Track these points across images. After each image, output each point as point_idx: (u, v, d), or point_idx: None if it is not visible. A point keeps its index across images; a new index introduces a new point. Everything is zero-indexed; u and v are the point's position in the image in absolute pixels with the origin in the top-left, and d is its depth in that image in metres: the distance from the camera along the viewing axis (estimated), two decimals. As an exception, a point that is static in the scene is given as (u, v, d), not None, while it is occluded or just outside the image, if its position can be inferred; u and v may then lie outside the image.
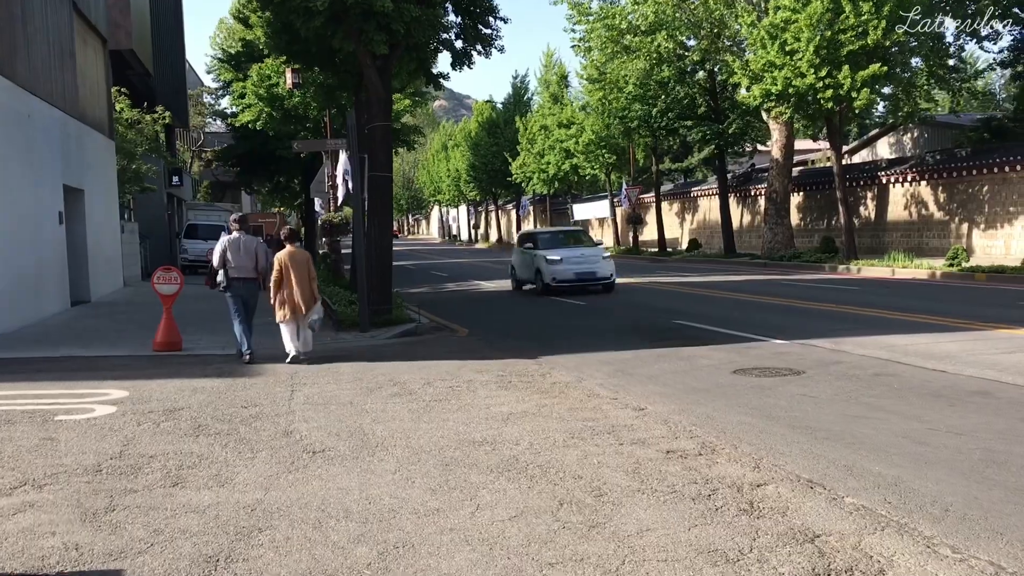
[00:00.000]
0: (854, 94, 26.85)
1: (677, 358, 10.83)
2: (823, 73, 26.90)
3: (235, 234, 11.35)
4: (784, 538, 4.57)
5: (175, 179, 36.75)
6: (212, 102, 57.92)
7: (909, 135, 39.69)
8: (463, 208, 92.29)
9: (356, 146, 14.46)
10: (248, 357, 11.12)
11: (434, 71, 17.25)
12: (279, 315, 11.15)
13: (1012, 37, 31.66)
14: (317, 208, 30.08)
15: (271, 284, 11.20)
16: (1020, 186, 28.01)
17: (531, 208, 70.15)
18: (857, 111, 30.32)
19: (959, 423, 6.92)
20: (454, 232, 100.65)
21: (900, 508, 5.01)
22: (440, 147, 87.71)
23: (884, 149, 40.72)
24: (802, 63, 27.23)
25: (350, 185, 16.08)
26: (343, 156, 20.35)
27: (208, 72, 40.07)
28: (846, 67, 26.54)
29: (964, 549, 4.39)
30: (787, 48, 27.77)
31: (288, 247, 11.36)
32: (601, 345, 12.24)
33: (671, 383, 9.18)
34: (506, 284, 25.86)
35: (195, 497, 5.44)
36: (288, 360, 11.05)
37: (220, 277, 11.21)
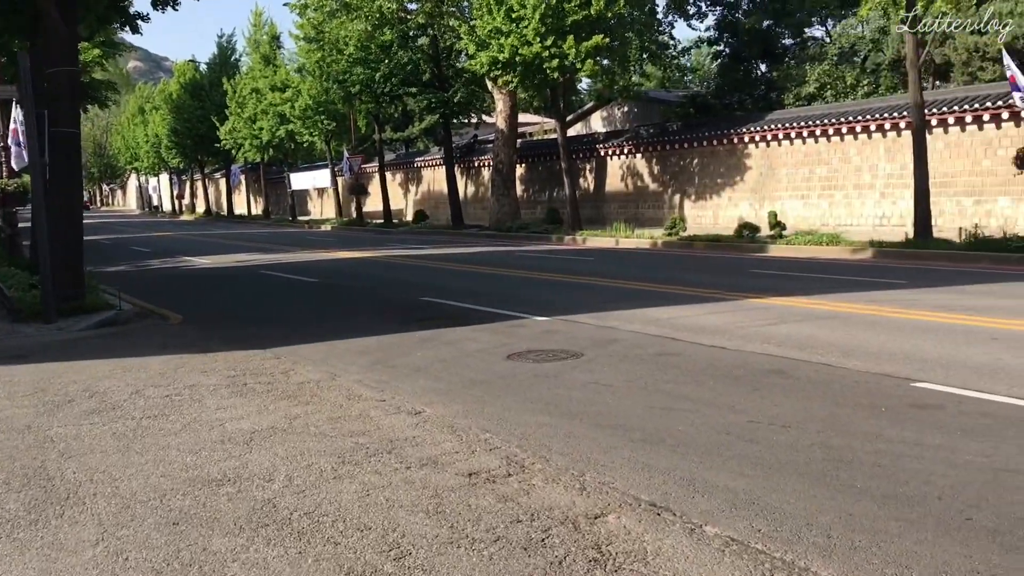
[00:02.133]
0: (579, 65, 26.98)
1: (441, 342, 9.53)
2: (549, 42, 26.75)
3: None
4: (662, 602, 3.42)
5: None
6: None
7: (620, 110, 41.21)
8: (164, 177, 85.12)
9: (32, 97, 11.67)
10: None
11: (131, 11, 14.58)
12: None
13: (715, 17, 33.58)
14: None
15: None
16: (727, 160, 29.70)
17: (243, 177, 65.93)
18: (580, 82, 30.76)
19: (776, 412, 6.22)
20: (155, 203, 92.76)
21: (776, 538, 4.04)
22: (137, 110, 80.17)
23: (597, 123, 42.01)
24: (528, 31, 26.91)
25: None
26: (17, 111, 16.99)
27: None
28: (571, 37, 26.55)
29: (879, 595, 3.48)
30: (513, 15, 27.33)
31: None
32: (349, 330, 10.68)
33: (444, 375, 7.87)
34: (225, 260, 23.30)
35: None
36: None
37: None
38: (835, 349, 8.34)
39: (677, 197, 31.82)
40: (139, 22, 14.81)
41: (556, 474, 4.98)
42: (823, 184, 26.55)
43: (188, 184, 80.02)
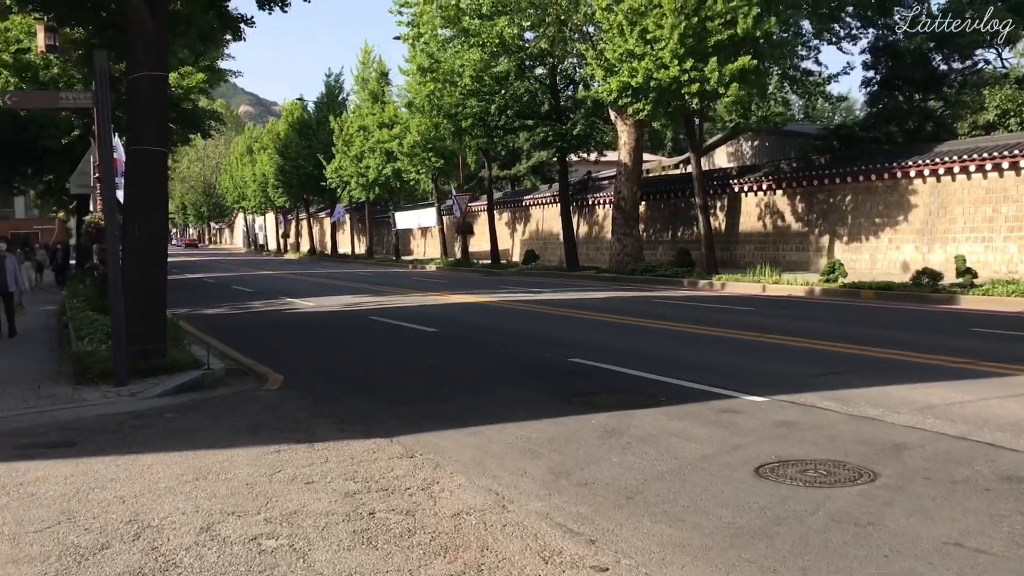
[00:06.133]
0: (721, 89, 24.07)
1: (636, 438, 6.68)
2: (688, 65, 23.96)
3: None
4: None
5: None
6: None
7: (750, 144, 37.90)
8: (271, 216, 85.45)
9: (107, 104, 9.49)
10: None
11: (234, 12, 12.42)
12: None
13: (867, 41, 30.13)
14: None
15: None
16: (886, 197, 26.20)
17: (347, 216, 64.93)
18: (715, 109, 27.82)
19: None
20: (261, 242, 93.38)
21: None
22: (245, 150, 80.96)
23: (722, 159, 38.75)
24: (665, 53, 24.21)
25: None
26: (119, 141, 15.23)
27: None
28: (713, 59, 23.70)
29: None
30: (648, 36, 24.68)
31: None
32: (495, 407, 7.93)
33: (678, 509, 4.99)
34: (330, 302, 21.07)
35: None
36: None
37: None
38: None
39: (826, 238, 28.35)
40: (243, 25, 12.65)
41: None
42: (1010, 225, 22.79)
43: (293, 223, 79.88)
